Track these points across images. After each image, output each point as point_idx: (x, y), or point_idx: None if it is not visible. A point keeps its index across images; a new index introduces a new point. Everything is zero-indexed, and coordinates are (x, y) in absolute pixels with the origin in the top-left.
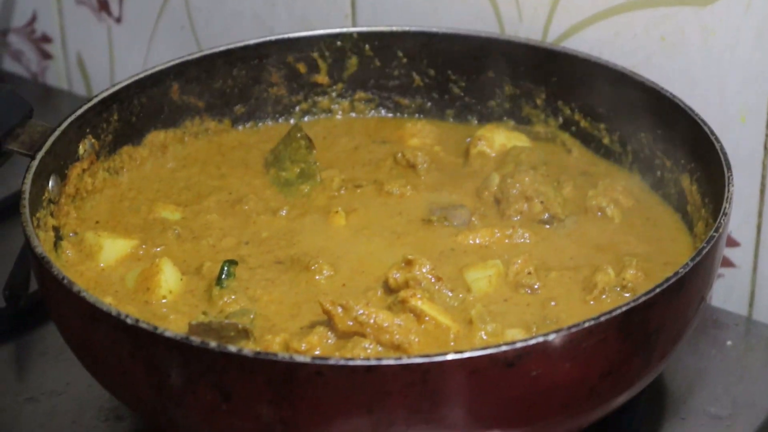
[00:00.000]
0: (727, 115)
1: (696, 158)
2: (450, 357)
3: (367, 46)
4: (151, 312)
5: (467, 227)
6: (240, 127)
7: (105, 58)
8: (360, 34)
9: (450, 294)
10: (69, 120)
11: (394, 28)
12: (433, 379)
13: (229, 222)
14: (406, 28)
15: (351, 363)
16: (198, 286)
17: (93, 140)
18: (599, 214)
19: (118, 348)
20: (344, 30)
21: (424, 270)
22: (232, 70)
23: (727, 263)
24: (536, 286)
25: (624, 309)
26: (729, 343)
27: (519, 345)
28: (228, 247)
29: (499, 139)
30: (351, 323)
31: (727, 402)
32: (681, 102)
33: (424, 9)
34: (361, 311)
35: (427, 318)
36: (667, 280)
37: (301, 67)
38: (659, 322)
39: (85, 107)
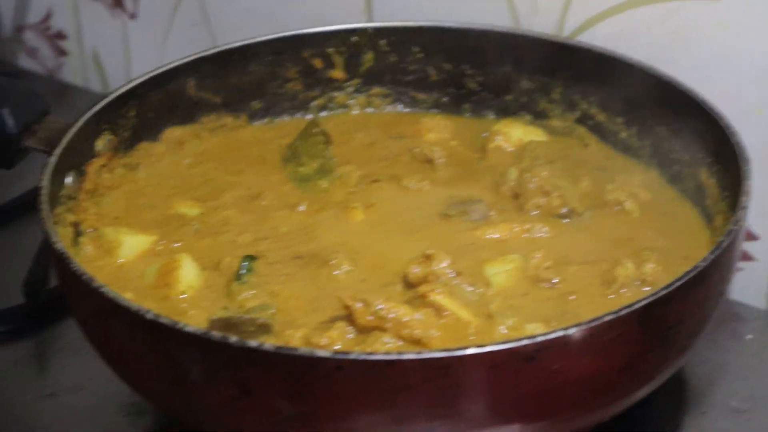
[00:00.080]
0: (743, 108)
1: (713, 152)
2: (470, 351)
3: (383, 41)
4: (171, 307)
5: (485, 222)
6: (256, 123)
7: (120, 55)
8: (376, 29)
9: (469, 289)
10: (86, 116)
11: (410, 23)
12: (453, 374)
13: (247, 217)
14: (422, 23)
15: (371, 357)
16: (217, 282)
17: (110, 136)
18: (617, 208)
19: (138, 343)
20: (360, 25)
21: (443, 265)
22: (248, 65)
23: (746, 257)
24: (555, 281)
25: (644, 303)
26: (748, 336)
27: (539, 339)
28: (247, 243)
29: (516, 133)
30: (371, 318)
31: (747, 395)
32: (697, 96)
33: (440, 4)
34: (381, 306)
35: (446, 312)
36: (687, 273)
37: (317, 63)
38: (679, 316)
39: (102, 103)
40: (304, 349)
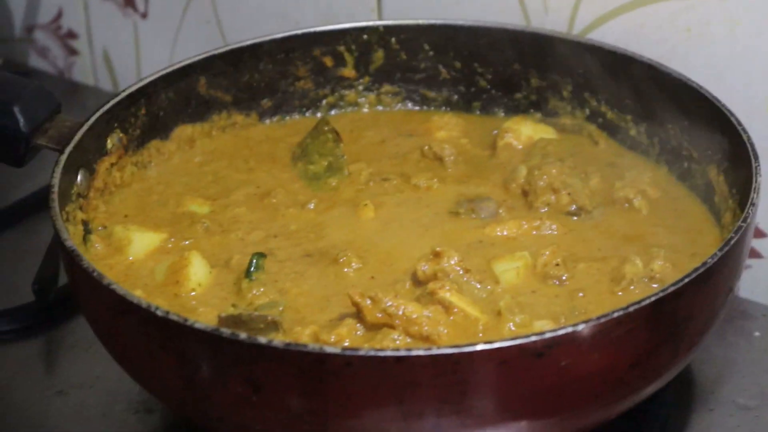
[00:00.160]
0: (753, 106)
1: (723, 149)
2: (480, 347)
3: (393, 40)
4: (181, 305)
5: (494, 219)
6: (267, 121)
7: (131, 54)
8: (386, 27)
9: (478, 286)
10: (97, 114)
11: (420, 21)
12: (462, 370)
13: (257, 215)
14: (432, 21)
15: (381, 354)
16: (227, 279)
17: (121, 134)
18: (626, 205)
19: (148, 340)
20: (370, 23)
21: (452, 262)
22: (258, 64)
23: (755, 254)
24: (564, 278)
25: (652, 299)
26: (757, 333)
27: (548, 335)
28: (256, 240)
29: (525, 131)
30: (380, 315)
31: (756, 392)
32: (707, 93)
33: (450, 2)
34: (390, 303)
35: (455, 309)
36: (695, 270)
37: (328, 61)
38: (687, 313)
39: (113, 102)
40: (313, 346)
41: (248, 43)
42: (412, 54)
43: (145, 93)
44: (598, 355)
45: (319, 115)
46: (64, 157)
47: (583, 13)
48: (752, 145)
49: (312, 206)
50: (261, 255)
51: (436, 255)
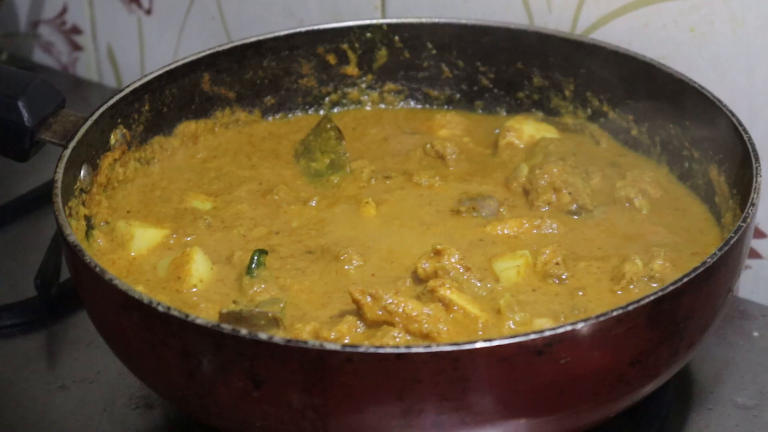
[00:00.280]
0: (756, 106)
1: (724, 149)
2: (480, 345)
3: (396, 38)
4: (182, 300)
5: (496, 217)
6: (270, 118)
7: (135, 50)
8: (390, 25)
9: (479, 284)
10: (101, 110)
11: (424, 20)
12: (462, 367)
13: (259, 212)
14: (436, 20)
15: (381, 350)
16: (228, 275)
17: (124, 130)
18: (627, 204)
19: (150, 336)
20: (374, 21)
21: (453, 260)
22: (262, 61)
23: (755, 254)
24: (564, 276)
25: (652, 298)
26: (756, 333)
27: (548, 333)
28: (258, 237)
29: (527, 130)
30: (380, 312)
31: (754, 392)
32: (709, 93)
33: (453, 0)
34: (391, 300)
35: (455, 307)
36: (695, 269)
37: (331, 59)
38: (687, 312)
39: (116, 97)
40: (314, 342)
41: (252, 40)
42: (415, 52)
43: (149, 89)
44: (597, 353)
45: (322, 112)
46: (67, 152)
47: (586, 12)
48: (753, 145)
49: (314, 203)
50: (263, 251)
51: (437, 253)
